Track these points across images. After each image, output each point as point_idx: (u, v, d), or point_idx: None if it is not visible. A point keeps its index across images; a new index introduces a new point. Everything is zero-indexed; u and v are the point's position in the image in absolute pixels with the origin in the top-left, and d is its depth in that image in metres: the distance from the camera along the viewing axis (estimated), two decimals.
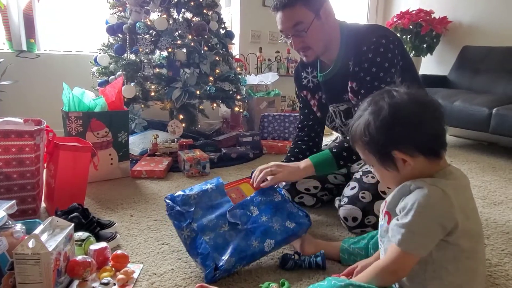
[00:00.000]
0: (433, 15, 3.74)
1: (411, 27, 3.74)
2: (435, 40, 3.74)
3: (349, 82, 1.38)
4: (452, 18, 3.74)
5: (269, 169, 1.30)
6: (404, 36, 3.79)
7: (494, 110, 2.59)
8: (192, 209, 1.14)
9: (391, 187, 0.90)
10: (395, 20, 3.87)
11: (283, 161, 1.50)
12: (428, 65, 3.94)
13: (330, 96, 1.53)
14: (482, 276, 0.86)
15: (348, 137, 1.00)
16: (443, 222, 0.76)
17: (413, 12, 3.76)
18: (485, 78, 3.24)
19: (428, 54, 3.82)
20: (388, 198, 0.88)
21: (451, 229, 0.77)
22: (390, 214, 0.86)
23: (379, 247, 0.94)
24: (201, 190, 1.21)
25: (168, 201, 1.17)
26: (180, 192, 1.19)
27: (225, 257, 1.05)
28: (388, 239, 0.84)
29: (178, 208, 1.14)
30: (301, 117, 1.69)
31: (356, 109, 1.14)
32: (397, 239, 0.78)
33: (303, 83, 1.63)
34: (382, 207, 0.91)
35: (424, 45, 3.76)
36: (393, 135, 0.79)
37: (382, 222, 0.90)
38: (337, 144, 1.42)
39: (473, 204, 0.84)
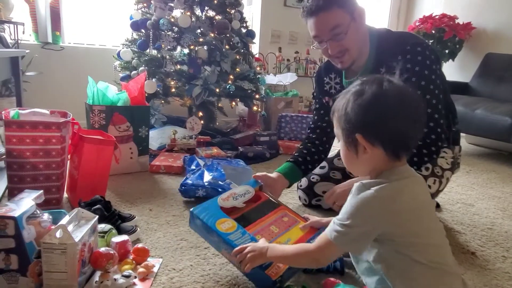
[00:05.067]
0: (456, 21, 3.69)
1: (433, 32, 3.69)
2: (457, 46, 3.69)
3: None
4: (476, 24, 3.69)
5: None
6: (426, 41, 3.75)
7: None
8: None
9: (349, 170, 0.96)
10: (417, 24, 3.82)
11: (289, 160, 1.52)
12: (449, 71, 3.88)
13: None
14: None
15: None
16: (375, 225, 0.80)
17: (437, 17, 3.72)
18: (509, 87, 3.18)
19: (450, 60, 3.77)
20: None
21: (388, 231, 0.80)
22: None
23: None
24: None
25: None
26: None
27: None
28: None
29: None
30: (315, 117, 1.65)
31: None
32: (332, 234, 0.83)
33: (325, 89, 1.58)
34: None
35: (446, 51, 3.72)
36: (363, 120, 0.82)
37: None
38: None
39: (422, 202, 0.85)
